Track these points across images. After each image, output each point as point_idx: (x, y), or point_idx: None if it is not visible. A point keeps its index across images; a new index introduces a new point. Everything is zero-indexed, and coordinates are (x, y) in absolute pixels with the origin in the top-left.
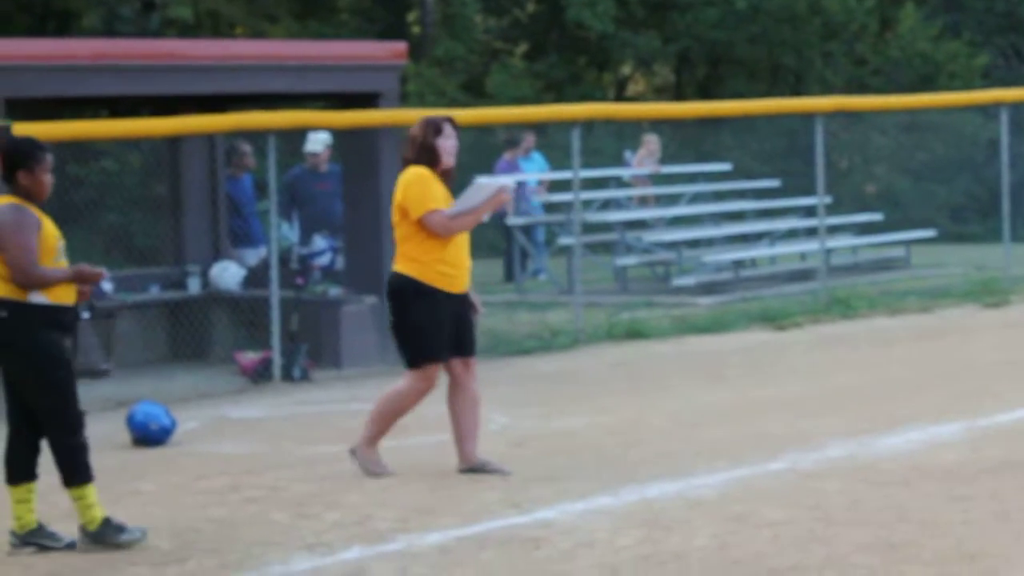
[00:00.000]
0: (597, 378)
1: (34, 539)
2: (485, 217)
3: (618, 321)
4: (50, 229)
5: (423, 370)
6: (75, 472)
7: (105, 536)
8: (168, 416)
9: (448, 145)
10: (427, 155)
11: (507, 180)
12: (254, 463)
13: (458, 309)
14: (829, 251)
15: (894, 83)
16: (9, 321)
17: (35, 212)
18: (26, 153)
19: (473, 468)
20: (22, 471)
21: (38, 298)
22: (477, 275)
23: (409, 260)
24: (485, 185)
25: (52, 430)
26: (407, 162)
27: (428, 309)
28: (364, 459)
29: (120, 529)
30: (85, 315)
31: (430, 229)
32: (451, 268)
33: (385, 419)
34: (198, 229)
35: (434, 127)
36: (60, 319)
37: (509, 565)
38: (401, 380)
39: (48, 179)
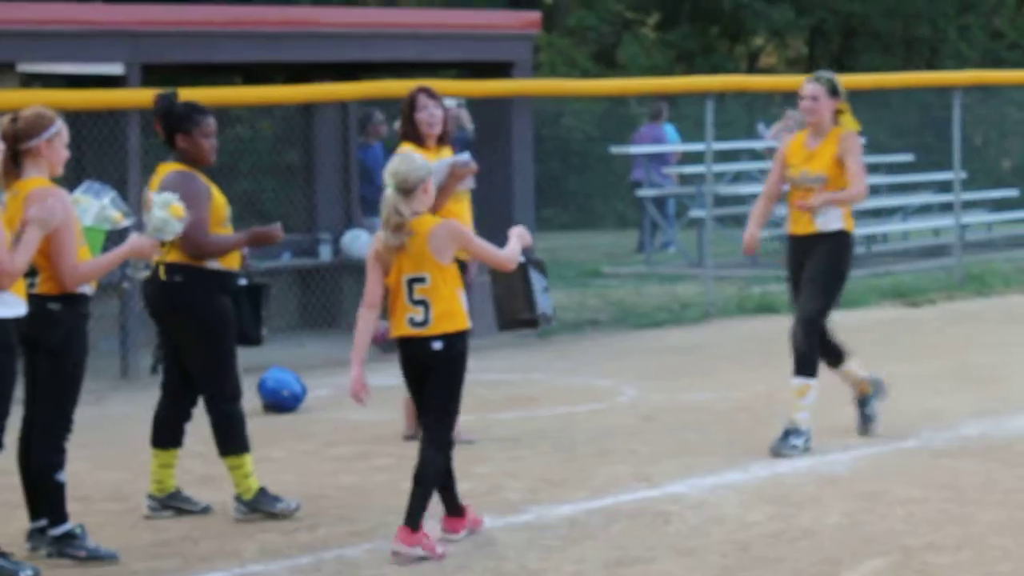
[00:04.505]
0: (727, 352)
1: (172, 503)
2: (467, 185)
3: (749, 295)
4: (219, 198)
5: None
6: (233, 440)
7: (261, 504)
8: (299, 383)
9: (423, 116)
10: (410, 129)
11: (459, 157)
12: (383, 431)
13: None
14: (964, 227)
15: None
16: (184, 285)
17: (203, 180)
18: (181, 116)
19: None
20: (172, 436)
21: (212, 263)
22: (606, 246)
23: None
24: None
25: (212, 397)
26: (399, 137)
27: None
28: None
29: (276, 499)
30: (242, 282)
31: None
32: None
33: None
34: (330, 197)
35: (409, 102)
36: (228, 284)
37: (639, 539)
38: None
39: (208, 143)
